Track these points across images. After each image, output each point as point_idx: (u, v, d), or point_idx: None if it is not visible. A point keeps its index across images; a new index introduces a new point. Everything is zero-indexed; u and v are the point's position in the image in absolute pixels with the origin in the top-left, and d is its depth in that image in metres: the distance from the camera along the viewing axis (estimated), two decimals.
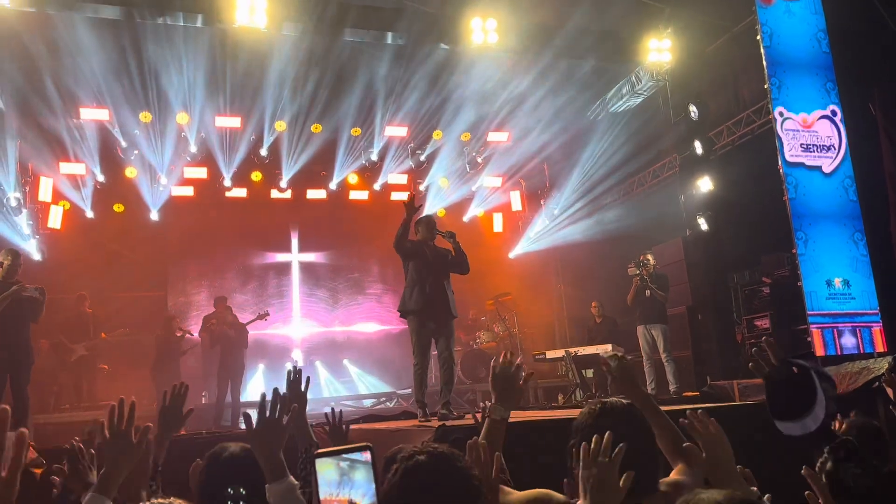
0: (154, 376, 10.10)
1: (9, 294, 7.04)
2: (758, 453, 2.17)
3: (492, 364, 2.54)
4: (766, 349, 2.03)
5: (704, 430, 2.14)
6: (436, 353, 7.00)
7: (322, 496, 1.61)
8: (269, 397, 2.20)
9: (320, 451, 1.67)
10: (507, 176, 14.03)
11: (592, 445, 1.83)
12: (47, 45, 9.39)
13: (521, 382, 2.51)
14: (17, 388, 7.10)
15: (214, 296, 11.20)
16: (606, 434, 1.84)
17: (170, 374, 10.11)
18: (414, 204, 6.68)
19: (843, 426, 3.37)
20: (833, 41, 8.68)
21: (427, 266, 6.73)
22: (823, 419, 1.94)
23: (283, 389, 2.36)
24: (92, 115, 11.05)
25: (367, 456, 1.64)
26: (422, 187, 13.66)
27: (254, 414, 2.09)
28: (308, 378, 2.78)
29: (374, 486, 1.63)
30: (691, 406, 6.12)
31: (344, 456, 1.66)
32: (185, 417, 2.81)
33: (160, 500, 1.60)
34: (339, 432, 3.26)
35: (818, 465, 1.82)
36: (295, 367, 2.83)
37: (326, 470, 1.63)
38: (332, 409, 3.43)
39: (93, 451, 2.46)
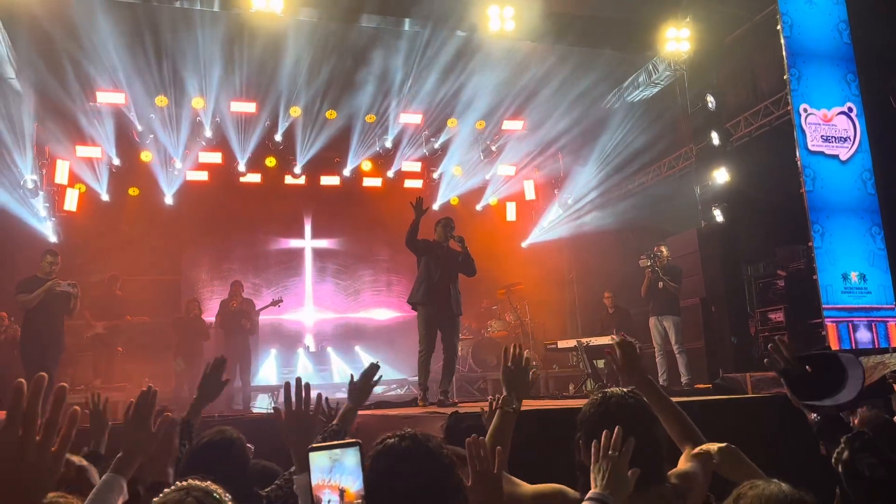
0: (175, 359, 10.06)
1: (44, 289, 7.64)
2: (770, 445, 2.16)
3: (502, 358, 2.55)
4: (780, 345, 2.06)
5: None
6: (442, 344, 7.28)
7: (315, 482, 1.69)
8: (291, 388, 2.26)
9: (313, 445, 1.75)
10: (521, 165, 13.97)
11: (602, 440, 1.87)
12: (65, 28, 9.42)
13: (530, 378, 2.54)
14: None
15: (226, 280, 11.22)
16: (616, 429, 1.87)
17: (193, 357, 10.14)
18: (421, 206, 7.01)
19: (856, 420, 3.37)
20: (854, 32, 8.57)
21: (437, 264, 7.11)
22: (854, 396, 1.96)
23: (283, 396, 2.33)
24: (108, 98, 11.08)
25: (356, 450, 1.70)
26: (435, 175, 13.65)
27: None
28: (321, 396, 2.37)
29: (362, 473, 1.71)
30: (703, 398, 6.12)
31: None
32: (223, 386, 3.09)
33: (196, 483, 1.63)
34: (358, 390, 3.16)
35: (834, 455, 1.84)
36: (291, 382, 2.33)
37: (318, 457, 1.71)
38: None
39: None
